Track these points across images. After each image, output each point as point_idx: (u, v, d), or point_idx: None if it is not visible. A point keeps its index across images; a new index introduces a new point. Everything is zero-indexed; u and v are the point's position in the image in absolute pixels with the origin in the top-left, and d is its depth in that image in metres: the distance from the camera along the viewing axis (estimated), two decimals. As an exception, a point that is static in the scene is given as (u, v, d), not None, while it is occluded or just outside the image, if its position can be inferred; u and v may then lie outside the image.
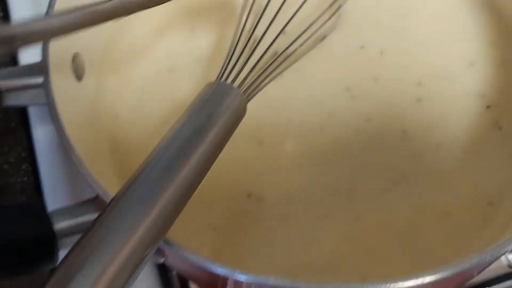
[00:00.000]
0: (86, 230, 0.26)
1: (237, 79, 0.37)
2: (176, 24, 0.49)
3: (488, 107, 0.43)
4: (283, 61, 0.41)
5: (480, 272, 0.37)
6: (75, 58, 0.40)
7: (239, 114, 0.36)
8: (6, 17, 0.55)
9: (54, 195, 0.48)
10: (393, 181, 0.41)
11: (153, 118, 0.45)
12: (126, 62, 0.47)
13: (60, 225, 0.30)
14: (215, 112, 0.33)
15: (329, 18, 0.45)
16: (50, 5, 0.38)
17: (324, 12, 0.45)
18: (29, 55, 0.51)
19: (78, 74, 0.40)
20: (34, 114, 0.54)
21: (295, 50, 0.43)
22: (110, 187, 0.38)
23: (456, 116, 0.43)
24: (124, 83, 0.46)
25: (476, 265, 0.30)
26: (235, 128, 0.35)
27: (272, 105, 0.44)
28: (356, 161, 0.42)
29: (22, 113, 0.52)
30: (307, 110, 0.45)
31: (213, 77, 0.45)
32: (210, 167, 0.32)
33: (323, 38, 0.45)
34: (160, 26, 0.49)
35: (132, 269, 0.25)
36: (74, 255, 0.25)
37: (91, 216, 0.32)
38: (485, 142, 0.42)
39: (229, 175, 0.41)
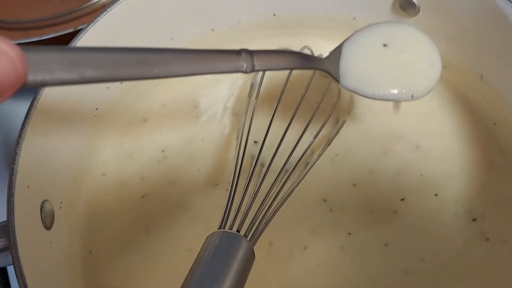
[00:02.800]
0: None
1: (239, 225, 0.36)
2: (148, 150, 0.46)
3: (474, 220, 0.41)
4: (282, 201, 0.39)
5: None
6: (43, 207, 0.37)
7: (249, 260, 0.34)
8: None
9: None
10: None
11: (128, 252, 0.42)
12: (96, 194, 0.45)
13: None
14: (225, 267, 0.32)
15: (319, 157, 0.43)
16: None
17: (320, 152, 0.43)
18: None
19: (47, 223, 0.38)
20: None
21: (292, 189, 0.40)
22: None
23: (439, 231, 0.41)
24: (96, 217, 0.44)
25: None
26: (248, 272, 0.34)
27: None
28: (342, 282, 0.40)
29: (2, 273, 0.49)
30: (288, 228, 0.42)
31: (182, 203, 0.44)
32: None
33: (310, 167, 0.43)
34: (130, 151, 0.46)
35: None
36: None
37: None
38: (472, 254, 0.40)
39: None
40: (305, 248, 0.42)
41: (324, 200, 0.43)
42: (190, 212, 0.44)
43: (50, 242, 0.38)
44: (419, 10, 0.43)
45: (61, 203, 0.40)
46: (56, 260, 0.39)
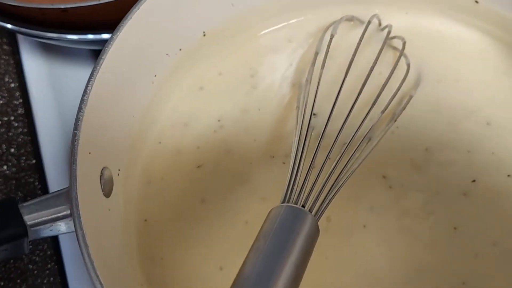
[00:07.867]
0: None
1: (304, 200, 0.34)
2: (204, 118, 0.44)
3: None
4: (347, 177, 0.36)
5: None
6: (103, 174, 0.35)
7: (314, 236, 0.32)
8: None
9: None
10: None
11: (183, 222, 0.40)
12: (152, 162, 0.42)
13: None
14: (291, 242, 0.31)
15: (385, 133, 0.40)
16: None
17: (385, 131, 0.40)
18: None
19: (106, 190, 0.36)
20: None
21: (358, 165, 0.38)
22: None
23: (511, 213, 0.38)
24: (151, 185, 0.42)
25: None
26: (313, 249, 0.32)
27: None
28: (405, 265, 0.38)
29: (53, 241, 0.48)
30: (347, 205, 0.39)
31: (238, 174, 0.42)
32: None
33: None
34: (186, 119, 0.44)
35: None
36: None
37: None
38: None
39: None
40: (364, 226, 0.39)
41: (384, 177, 0.40)
42: (246, 184, 0.41)
43: (109, 210, 0.36)
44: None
45: (119, 170, 0.38)
46: (113, 228, 0.37)
